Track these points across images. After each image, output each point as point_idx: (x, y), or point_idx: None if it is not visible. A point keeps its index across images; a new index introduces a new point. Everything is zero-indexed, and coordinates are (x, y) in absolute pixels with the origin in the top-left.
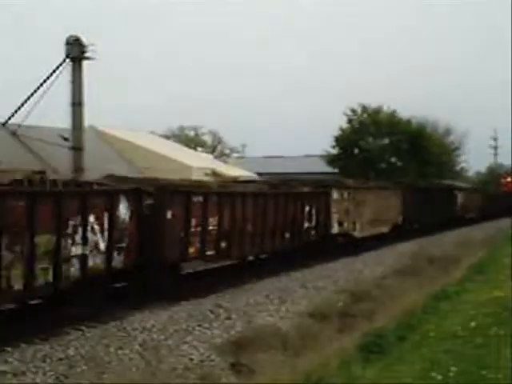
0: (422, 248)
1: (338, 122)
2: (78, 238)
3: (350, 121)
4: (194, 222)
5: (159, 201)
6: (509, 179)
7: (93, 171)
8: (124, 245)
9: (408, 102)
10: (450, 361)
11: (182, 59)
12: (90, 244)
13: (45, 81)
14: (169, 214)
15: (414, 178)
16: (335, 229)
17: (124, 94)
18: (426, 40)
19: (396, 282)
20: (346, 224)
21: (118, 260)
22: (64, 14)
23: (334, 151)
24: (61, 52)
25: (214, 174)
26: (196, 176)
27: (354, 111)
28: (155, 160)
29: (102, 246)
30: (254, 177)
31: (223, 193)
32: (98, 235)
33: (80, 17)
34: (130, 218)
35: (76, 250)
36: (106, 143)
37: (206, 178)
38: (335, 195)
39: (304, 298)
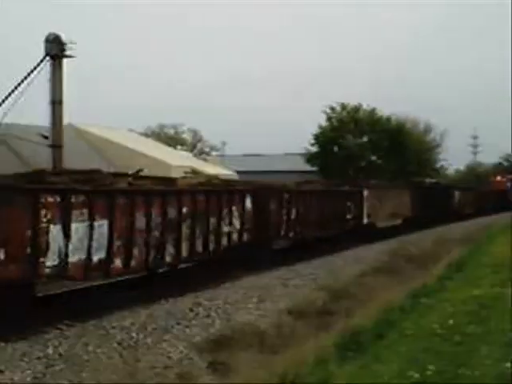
0: (403, 245)
1: (318, 120)
2: (226, 221)
3: (329, 119)
4: (283, 212)
5: (265, 197)
6: (498, 178)
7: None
8: (248, 226)
9: (389, 100)
10: (427, 359)
11: (165, 58)
12: (233, 225)
13: (24, 79)
14: (272, 206)
15: (393, 175)
16: (365, 220)
17: (103, 92)
18: (408, 38)
19: (375, 279)
20: (372, 217)
21: (245, 236)
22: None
23: (314, 149)
24: (40, 50)
25: (194, 172)
26: (175, 174)
27: (333, 109)
28: (134, 158)
29: (238, 227)
30: (234, 175)
31: (298, 191)
32: (236, 220)
33: (60, 15)
34: (251, 209)
35: (226, 229)
36: (84, 141)
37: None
38: (365, 193)
39: (283, 296)
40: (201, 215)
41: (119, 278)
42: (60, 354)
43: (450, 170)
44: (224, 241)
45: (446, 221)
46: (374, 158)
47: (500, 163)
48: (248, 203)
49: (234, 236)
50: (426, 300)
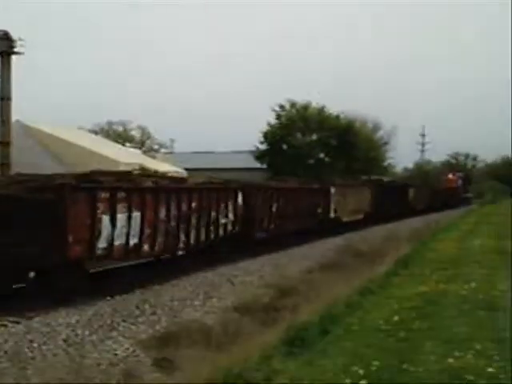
0: (350, 242)
1: (268, 118)
2: (223, 214)
3: (278, 116)
4: (267, 207)
5: (252, 194)
6: (450, 176)
7: (19, 166)
8: (239, 219)
9: (337, 98)
10: (372, 355)
11: (114, 56)
12: (228, 218)
13: None
14: (258, 202)
15: (341, 173)
16: (332, 214)
17: (50, 89)
18: (359, 37)
19: (322, 276)
20: (338, 211)
21: (237, 228)
22: None
23: (263, 147)
24: None
25: (142, 169)
26: None
27: (282, 107)
28: (82, 155)
29: (232, 219)
30: (183, 172)
31: (278, 188)
32: (231, 213)
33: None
34: (242, 204)
35: (223, 221)
36: (33, 138)
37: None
38: (332, 190)
39: (230, 293)
40: (205, 209)
41: (131, 262)
42: (5, 351)
43: (398, 168)
44: (221, 231)
45: (401, 216)
46: (322, 156)
47: (448, 161)
48: (240, 199)
49: (229, 227)
50: (371, 296)
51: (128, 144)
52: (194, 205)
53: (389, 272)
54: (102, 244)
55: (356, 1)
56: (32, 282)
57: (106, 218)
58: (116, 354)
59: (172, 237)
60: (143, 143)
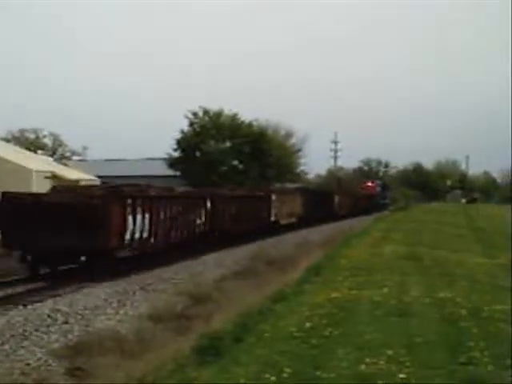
0: (263, 249)
1: (181, 125)
2: (198, 216)
3: (191, 124)
4: (225, 211)
5: (216, 200)
6: (369, 183)
7: None
8: (208, 220)
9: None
10: (284, 362)
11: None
12: (202, 219)
13: None
14: (220, 207)
15: (255, 180)
16: (272, 218)
17: None
18: (271, 47)
19: (235, 284)
20: (276, 216)
21: (207, 227)
22: None
23: (176, 154)
24: None
25: (54, 176)
26: (36, 179)
27: (195, 114)
28: None
29: (204, 220)
30: (95, 180)
31: (233, 196)
32: (204, 216)
33: None
34: (209, 208)
35: (198, 222)
36: None
37: (45, 181)
38: (273, 197)
39: (143, 301)
40: (187, 212)
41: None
42: None
43: (311, 175)
44: (197, 229)
45: (327, 220)
46: (236, 163)
47: (360, 167)
48: (208, 204)
49: (202, 227)
50: (284, 303)
51: (40, 151)
52: (180, 209)
53: (301, 279)
54: (127, 237)
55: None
56: (83, 263)
57: (130, 218)
58: (28, 364)
59: (166, 233)
60: (55, 151)
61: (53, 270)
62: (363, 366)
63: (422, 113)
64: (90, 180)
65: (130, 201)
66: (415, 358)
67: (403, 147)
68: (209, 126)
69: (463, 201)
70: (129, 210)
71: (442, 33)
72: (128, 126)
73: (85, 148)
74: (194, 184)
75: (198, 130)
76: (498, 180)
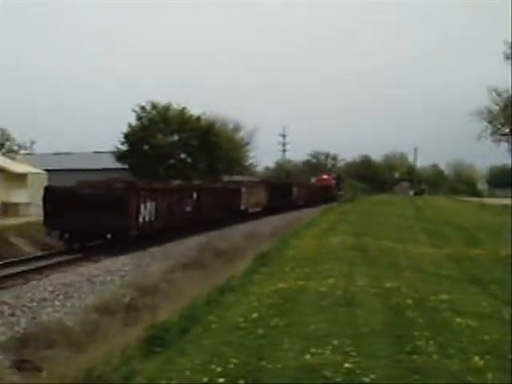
0: (211, 241)
1: (129, 119)
2: (188, 205)
3: (139, 117)
4: (207, 201)
5: (200, 192)
6: (324, 176)
7: None
8: (195, 208)
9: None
10: (230, 352)
11: None
12: (190, 207)
13: None
14: (203, 197)
15: (203, 173)
16: (242, 207)
17: None
18: (219, 37)
19: (182, 275)
20: (245, 205)
21: (193, 214)
22: None
23: (124, 148)
24: None
25: (1, 170)
26: None
27: (143, 108)
28: None
29: (191, 208)
30: (43, 173)
31: (212, 188)
32: (191, 205)
33: None
34: (196, 199)
35: (188, 209)
36: None
37: None
38: (242, 189)
39: (90, 293)
40: (180, 201)
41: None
42: None
43: (260, 168)
44: (187, 215)
45: (286, 209)
46: (184, 156)
47: (308, 160)
48: (195, 196)
49: (190, 214)
50: (231, 294)
51: None
52: (175, 199)
53: (249, 270)
54: (140, 219)
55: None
56: (108, 240)
57: (142, 206)
58: None
59: (164, 217)
60: (3, 145)
61: (83, 245)
62: (309, 356)
63: (371, 106)
64: (38, 173)
65: (142, 192)
66: (361, 348)
67: (351, 140)
68: (157, 119)
69: (411, 193)
70: (141, 199)
71: (389, 30)
72: (75, 120)
73: (32, 142)
74: (142, 177)
75: (145, 123)
76: (446, 172)
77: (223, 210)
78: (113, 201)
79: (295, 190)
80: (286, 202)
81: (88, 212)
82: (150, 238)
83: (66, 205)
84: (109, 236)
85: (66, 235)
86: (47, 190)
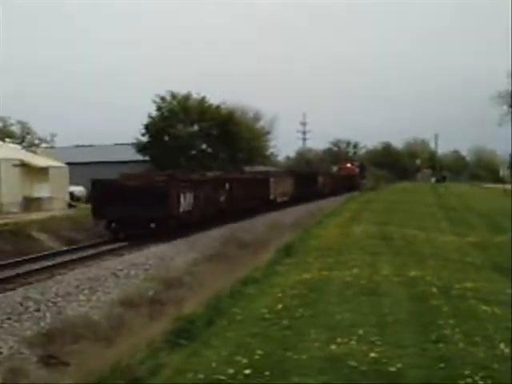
0: (235, 232)
1: (149, 110)
2: (221, 196)
3: (159, 108)
4: (239, 191)
5: (231, 183)
6: (348, 165)
7: None
8: (227, 199)
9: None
10: (255, 344)
11: None
12: (223, 198)
13: None
14: (235, 188)
15: (224, 163)
16: (271, 197)
17: None
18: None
19: (207, 267)
20: (273, 195)
21: (227, 203)
22: None
23: (145, 139)
24: None
25: (23, 164)
26: (4, 167)
27: (163, 98)
28: None
29: (225, 198)
30: (65, 167)
31: (241, 178)
32: (224, 195)
33: None
34: (228, 189)
35: (222, 199)
36: None
37: (14, 169)
38: (271, 180)
39: (115, 287)
40: (214, 192)
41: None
42: None
43: (281, 157)
44: (221, 205)
45: (312, 198)
46: (204, 146)
47: (329, 148)
48: (227, 187)
49: (223, 204)
50: (255, 285)
51: (8, 139)
52: (210, 190)
53: (272, 260)
54: (181, 209)
55: None
56: (152, 229)
57: (182, 196)
58: (1, 353)
59: (201, 207)
60: (23, 138)
61: (128, 234)
62: (334, 347)
63: (392, 93)
64: (60, 167)
65: (182, 184)
66: (386, 337)
67: (372, 128)
68: (177, 109)
69: (433, 180)
70: (181, 190)
71: (411, 15)
72: (96, 112)
73: (53, 135)
74: (163, 168)
75: (166, 114)
76: (468, 158)
77: (254, 199)
78: (156, 192)
79: (320, 179)
80: (311, 191)
81: (132, 203)
82: (189, 226)
83: (111, 197)
84: (152, 225)
85: (113, 225)
86: (94, 183)
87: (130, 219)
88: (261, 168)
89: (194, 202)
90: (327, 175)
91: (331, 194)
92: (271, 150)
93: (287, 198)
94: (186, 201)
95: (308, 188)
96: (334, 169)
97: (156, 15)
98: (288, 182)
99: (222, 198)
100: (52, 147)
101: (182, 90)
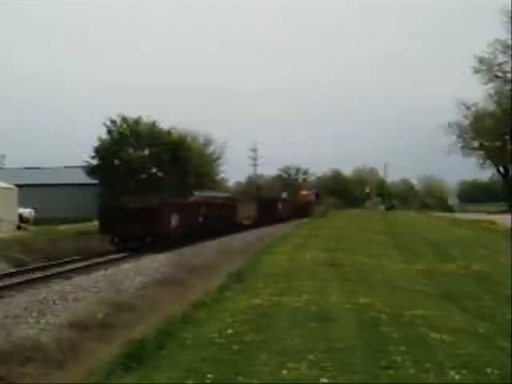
0: (184, 257)
1: (99, 133)
2: (199, 216)
3: (109, 131)
4: (227, 212)
5: (207, 207)
6: (304, 192)
7: None
8: (203, 219)
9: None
10: (206, 368)
11: None
12: (201, 218)
13: None
14: (209, 211)
15: (174, 188)
16: (238, 219)
17: None
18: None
19: (156, 291)
20: (240, 218)
21: (203, 223)
22: None
23: (95, 162)
24: None
25: None
26: None
27: (113, 122)
28: None
29: (202, 219)
30: (13, 188)
31: (216, 203)
32: (201, 216)
33: None
34: (204, 211)
35: (200, 220)
36: None
37: None
38: (238, 204)
39: (64, 310)
40: (194, 213)
41: None
42: None
43: (231, 182)
44: (198, 224)
45: (272, 222)
46: (155, 170)
47: (279, 175)
48: (204, 209)
49: (200, 223)
50: (205, 310)
51: None
52: (191, 211)
53: (222, 286)
54: (171, 226)
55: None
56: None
57: (171, 216)
58: None
59: (185, 225)
60: None
61: (128, 247)
62: (285, 371)
63: (343, 123)
64: (8, 188)
65: (171, 206)
66: (336, 363)
67: (321, 155)
68: (127, 133)
69: (382, 207)
70: (170, 211)
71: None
72: (46, 134)
73: (3, 156)
74: (113, 192)
75: (116, 137)
76: (417, 187)
77: (224, 221)
78: (152, 212)
79: (280, 205)
80: (272, 216)
81: (133, 220)
82: (176, 240)
83: (115, 216)
84: (148, 239)
85: (116, 239)
86: (101, 206)
87: (129, 234)
88: (210, 193)
89: (179, 220)
90: (286, 202)
91: (289, 218)
92: (221, 176)
93: (251, 222)
94: (174, 219)
95: (269, 213)
96: (284, 195)
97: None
98: (252, 207)
99: (200, 219)
100: (0, 168)
101: (135, 106)
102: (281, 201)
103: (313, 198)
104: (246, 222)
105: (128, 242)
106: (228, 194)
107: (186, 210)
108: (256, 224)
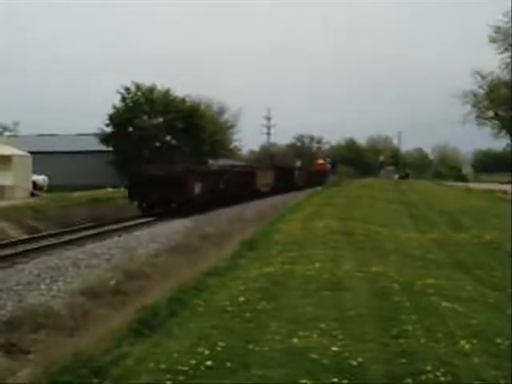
0: (198, 224)
1: (113, 101)
2: (221, 183)
3: (124, 99)
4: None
5: (228, 174)
6: (320, 161)
7: None
8: (225, 186)
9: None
10: (217, 336)
11: None
12: (222, 185)
13: None
14: (230, 178)
15: (188, 156)
16: (257, 187)
17: None
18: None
19: (169, 259)
20: (258, 185)
21: (224, 190)
22: None
23: (108, 130)
24: None
25: None
26: None
27: (128, 89)
28: None
29: (223, 186)
30: (28, 155)
31: (238, 171)
32: (222, 183)
33: None
34: (225, 178)
35: (221, 187)
36: None
37: None
38: (257, 172)
39: (76, 276)
40: (216, 180)
41: None
42: None
43: (244, 151)
44: (220, 191)
45: (289, 190)
46: (168, 138)
47: (293, 143)
48: (225, 177)
49: (222, 190)
50: (218, 278)
51: None
52: (213, 179)
53: (235, 254)
54: (195, 193)
55: None
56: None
57: (195, 183)
58: None
59: (207, 192)
60: None
61: (155, 212)
62: (296, 340)
63: (357, 89)
64: (23, 156)
65: (194, 173)
66: (348, 332)
67: (336, 124)
68: (141, 101)
69: (396, 176)
70: (194, 178)
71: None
72: (60, 101)
73: (16, 123)
74: (127, 159)
75: (130, 105)
76: (431, 156)
77: (244, 188)
78: (176, 180)
79: (296, 174)
80: (289, 184)
81: (159, 187)
82: (199, 206)
83: (143, 184)
84: (174, 205)
85: (144, 205)
86: (130, 174)
87: (156, 201)
88: (224, 162)
89: (202, 187)
90: (302, 170)
91: (305, 186)
92: (235, 144)
93: (269, 189)
94: (197, 187)
95: (286, 181)
96: (298, 164)
97: None
98: (270, 175)
99: (221, 186)
100: (15, 135)
101: (148, 76)
102: (297, 169)
103: (329, 166)
104: (264, 190)
105: (154, 208)
106: (242, 163)
107: (209, 177)
108: (273, 192)
